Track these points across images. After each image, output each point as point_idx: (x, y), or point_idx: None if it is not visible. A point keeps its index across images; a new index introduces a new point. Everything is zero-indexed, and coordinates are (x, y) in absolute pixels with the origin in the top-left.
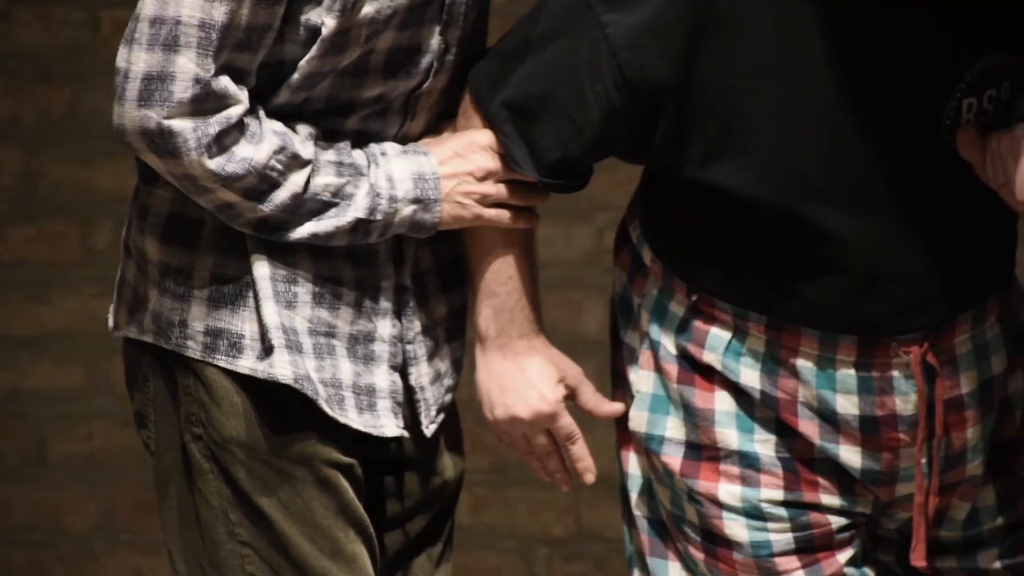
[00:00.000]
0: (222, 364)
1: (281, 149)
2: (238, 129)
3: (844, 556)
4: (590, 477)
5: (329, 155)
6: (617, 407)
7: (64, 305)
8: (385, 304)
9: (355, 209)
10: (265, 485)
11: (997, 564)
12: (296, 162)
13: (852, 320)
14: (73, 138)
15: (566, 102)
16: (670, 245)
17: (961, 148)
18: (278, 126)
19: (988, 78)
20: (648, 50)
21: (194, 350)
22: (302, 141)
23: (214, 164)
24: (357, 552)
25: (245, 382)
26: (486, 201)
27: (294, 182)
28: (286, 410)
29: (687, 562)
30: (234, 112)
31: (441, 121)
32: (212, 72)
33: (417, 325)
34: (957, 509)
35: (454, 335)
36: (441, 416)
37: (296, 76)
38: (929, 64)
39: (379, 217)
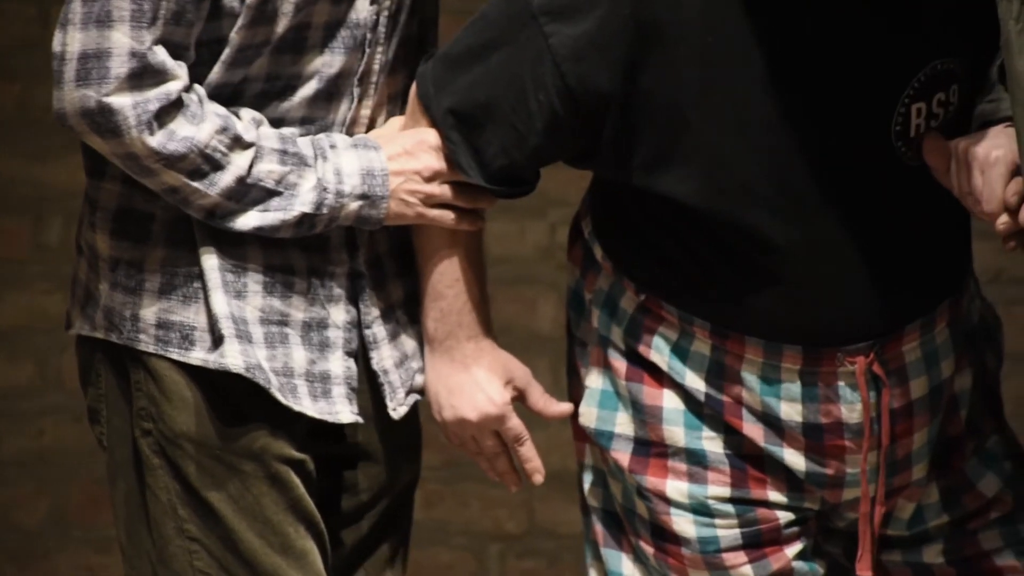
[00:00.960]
0: (174, 356)
1: (223, 129)
2: (177, 106)
3: (792, 550)
4: (539, 478)
5: (273, 142)
6: (566, 407)
7: (15, 302)
8: (338, 291)
9: (301, 203)
10: (215, 480)
11: (941, 559)
12: (239, 144)
13: (796, 330)
14: (24, 134)
15: (510, 111)
16: (620, 244)
17: (927, 154)
18: (220, 108)
19: (936, 82)
20: (590, 61)
21: (147, 343)
22: (245, 125)
23: (155, 142)
24: (307, 548)
25: (197, 375)
26: (430, 201)
27: (238, 164)
28: (238, 404)
29: (639, 555)
30: (173, 88)
31: (390, 104)
32: (147, 45)
33: (375, 310)
34: (903, 509)
35: (417, 317)
36: (412, 398)
37: (228, 50)
38: (870, 73)
39: (325, 211)
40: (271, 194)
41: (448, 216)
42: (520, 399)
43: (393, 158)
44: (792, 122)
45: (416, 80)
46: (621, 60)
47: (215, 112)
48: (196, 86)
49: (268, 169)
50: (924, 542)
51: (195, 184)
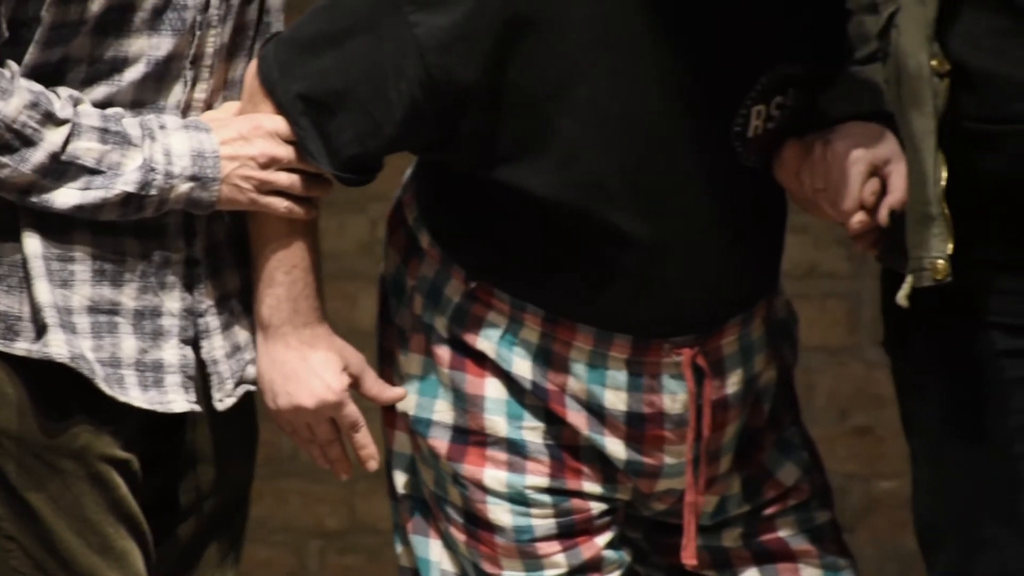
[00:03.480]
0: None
1: (34, 105)
2: None
3: (603, 539)
4: (373, 464)
5: (93, 120)
6: (400, 392)
7: None
8: (173, 278)
9: (124, 182)
10: (35, 479)
11: (740, 543)
12: (51, 120)
13: (630, 321)
14: None
15: (367, 99)
16: (450, 232)
17: (782, 155)
18: (35, 85)
19: (776, 86)
20: (457, 53)
21: None
22: (61, 103)
23: None
24: (127, 548)
25: (21, 370)
26: (264, 188)
27: (51, 141)
28: (62, 400)
29: (448, 542)
30: None
31: (228, 89)
32: None
33: (209, 299)
34: (707, 502)
35: (252, 307)
36: (241, 390)
37: (41, 29)
38: (717, 75)
39: (153, 192)
40: (91, 172)
41: (282, 204)
42: (355, 385)
43: (228, 142)
44: (642, 120)
45: (257, 64)
46: (488, 52)
47: (27, 88)
48: (10, 62)
49: (86, 147)
50: (724, 527)
51: (4, 159)
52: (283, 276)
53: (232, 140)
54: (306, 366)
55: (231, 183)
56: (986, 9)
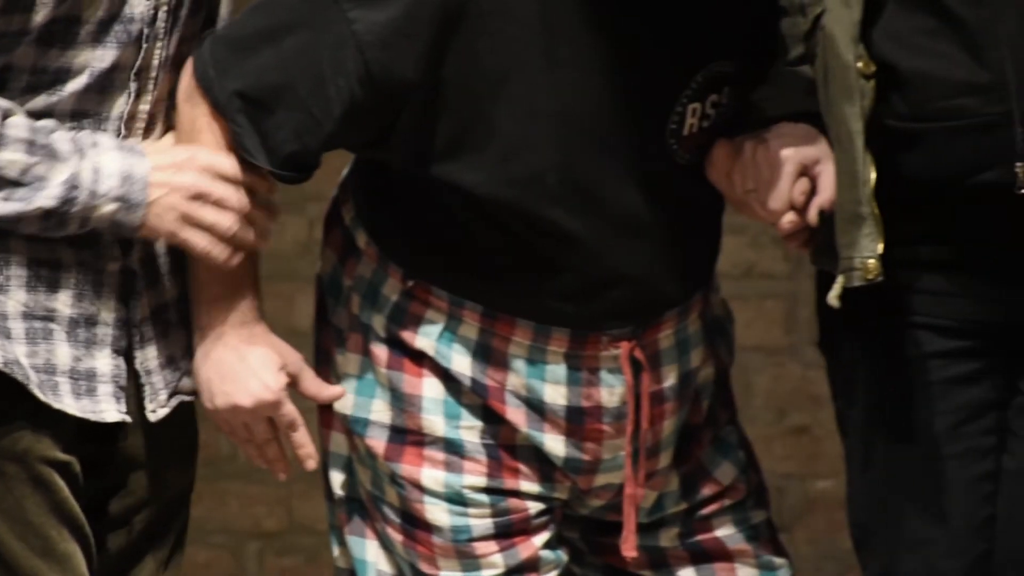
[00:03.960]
0: None
1: None
2: None
3: (540, 539)
4: (312, 464)
5: (20, 132)
6: (338, 390)
7: None
8: (108, 287)
9: (45, 197)
10: None
11: (676, 542)
12: None
13: (568, 314)
14: None
15: (306, 95)
16: (388, 231)
17: (713, 155)
18: None
19: (712, 84)
20: (396, 48)
21: None
22: None
23: None
24: (70, 551)
25: None
26: (188, 220)
27: None
28: (1, 404)
29: (385, 542)
30: None
31: (171, 100)
32: None
33: (145, 308)
34: (646, 498)
35: (188, 319)
36: (175, 400)
37: None
38: (653, 72)
39: (76, 209)
40: (13, 184)
41: (203, 241)
42: (293, 384)
43: (160, 169)
44: (579, 116)
45: (193, 63)
46: (426, 47)
47: None
48: None
49: (10, 159)
50: (661, 526)
51: None
52: (220, 275)
53: (164, 167)
54: (244, 365)
55: (156, 211)
56: (912, 9)
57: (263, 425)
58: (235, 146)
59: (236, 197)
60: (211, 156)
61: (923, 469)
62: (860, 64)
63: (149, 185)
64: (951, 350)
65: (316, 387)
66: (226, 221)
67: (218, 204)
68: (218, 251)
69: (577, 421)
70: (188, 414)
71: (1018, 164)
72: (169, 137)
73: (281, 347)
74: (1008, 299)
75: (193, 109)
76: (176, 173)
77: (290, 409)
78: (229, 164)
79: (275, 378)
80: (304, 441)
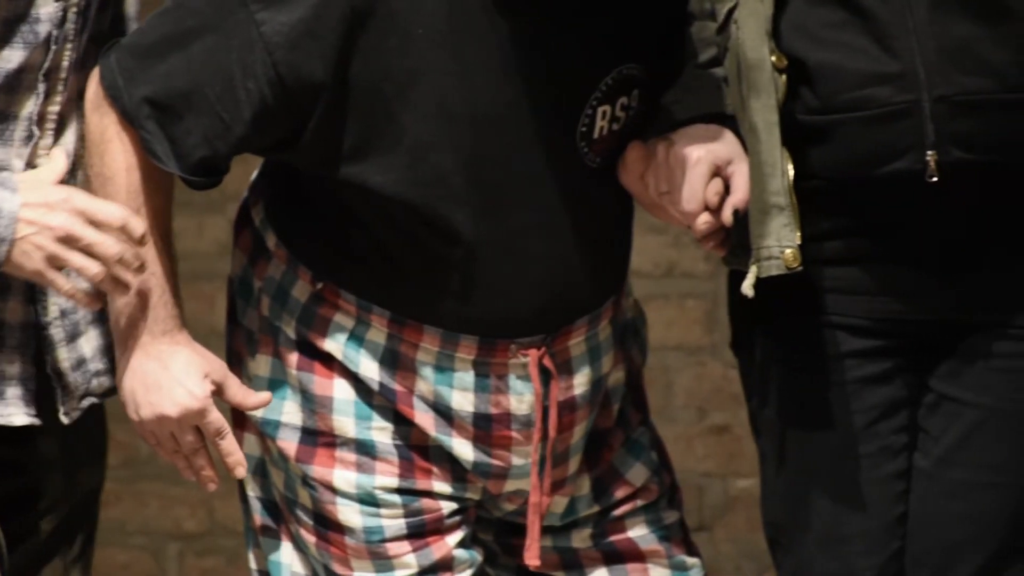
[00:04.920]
0: None
1: None
2: None
3: (453, 539)
4: (241, 471)
5: None
6: (265, 397)
7: None
8: (15, 289)
9: None
10: None
11: (589, 543)
12: None
13: (476, 321)
14: None
15: (215, 99)
16: (297, 233)
17: (625, 158)
18: None
19: (621, 86)
20: (304, 49)
21: None
22: None
23: None
24: None
25: None
26: (54, 262)
27: None
28: None
29: (299, 544)
30: None
31: (81, 100)
32: None
33: (55, 310)
34: (557, 504)
35: (98, 319)
36: (87, 402)
37: None
38: (563, 75)
39: None
40: None
41: (66, 285)
42: (217, 393)
43: (30, 206)
44: (487, 118)
45: (99, 72)
46: (333, 48)
47: None
48: None
49: None
50: (573, 528)
51: None
52: (140, 284)
53: (36, 205)
54: (167, 374)
55: (22, 248)
56: (819, 2)
57: (190, 435)
58: (145, 153)
59: (107, 244)
60: (87, 200)
61: (837, 468)
62: (774, 58)
63: (17, 221)
64: (863, 349)
65: (241, 394)
66: (93, 268)
67: (87, 249)
68: (81, 297)
69: (485, 428)
70: (98, 412)
71: (928, 152)
72: (52, 168)
73: (205, 355)
74: (919, 291)
75: (102, 119)
76: (47, 213)
77: (216, 417)
78: (105, 210)
79: (200, 386)
80: (232, 448)
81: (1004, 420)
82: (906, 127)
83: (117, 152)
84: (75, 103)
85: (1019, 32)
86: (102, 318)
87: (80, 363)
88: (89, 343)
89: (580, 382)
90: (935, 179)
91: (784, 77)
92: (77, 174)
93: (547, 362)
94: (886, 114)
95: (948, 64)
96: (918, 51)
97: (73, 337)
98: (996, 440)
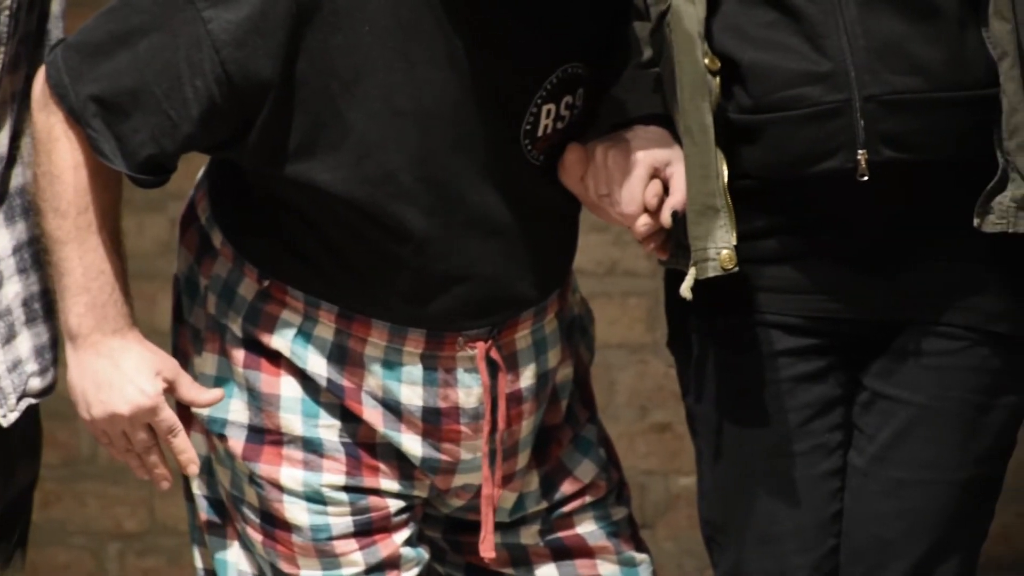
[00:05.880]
0: None
1: None
2: None
3: (400, 537)
4: (194, 469)
5: None
6: (216, 394)
7: None
8: None
9: None
10: None
11: (537, 539)
12: None
13: (423, 315)
14: None
15: (162, 97)
16: (243, 230)
17: (565, 160)
18: None
19: (566, 85)
20: (251, 47)
21: None
22: None
23: None
24: None
25: None
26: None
27: None
28: None
29: (245, 542)
30: None
31: (13, 102)
32: None
33: None
34: (505, 499)
35: (34, 319)
36: (24, 404)
37: None
38: (508, 73)
39: None
40: None
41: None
42: (169, 390)
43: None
44: (433, 114)
45: (46, 71)
46: (281, 46)
47: None
48: None
49: None
50: (522, 524)
51: None
52: (91, 283)
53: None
54: (119, 373)
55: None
56: (751, 2)
57: (142, 433)
58: (92, 151)
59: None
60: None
61: (771, 467)
62: (707, 61)
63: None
64: (797, 348)
65: (194, 392)
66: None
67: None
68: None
69: (434, 422)
70: (33, 410)
71: (859, 151)
72: None
73: (155, 352)
74: (851, 290)
75: (49, 118)
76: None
77: (168, 415)
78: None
79: (152, 384)
80: (185, 446)
81: (936, 418)
82: (837, 126)
83: (64, 151)
84: (8, 104)
85: (948, 31)
86: (37, 318)
87: (16, 364)
88: (24, 343)
89: (527, 375)
90: (866, 178)
91: (717, 79)
92: (11, 174)
93: (494, 354)
94: (817, 113)
95: (878, 63)
96: (848, 50)
97: (9, 339)
98: (929, 438)
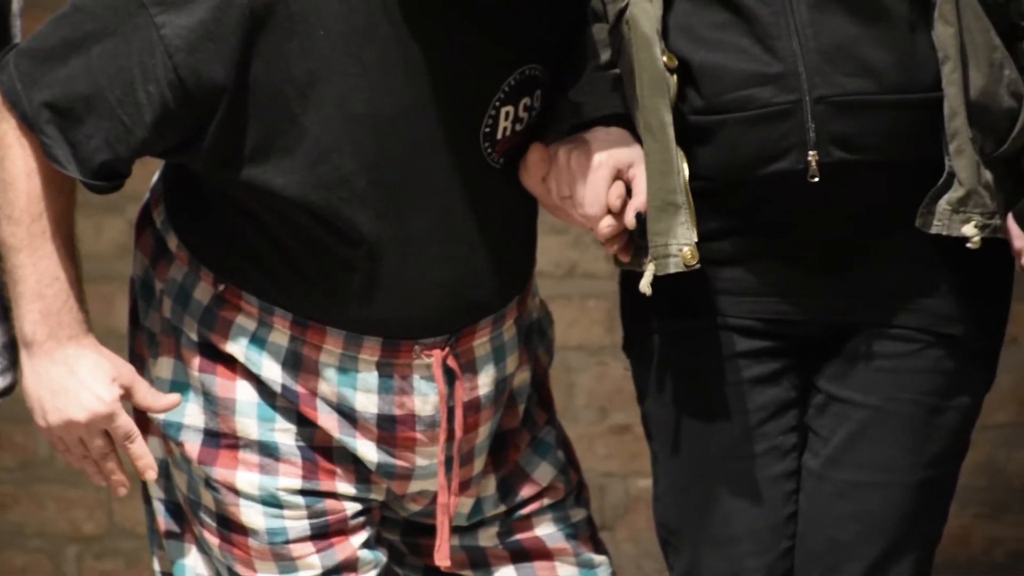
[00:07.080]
0: None
1: None
2: None
3: (358, 539)
4: (152, 474)
5: None
6: (174, 398)
7: None
8: None
9: None
10: None
11: (496, 541)
12: None
13: (378, 323)
14: None
15: (116, 103)
16: (199, 234)
17: (527, 162)
18: None
19: (524, 87)
20: (204, 52)
21: None
22: None
23: None
24: None
25: None
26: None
27: None
28: None
29: (202, 545)
30: None
31: None
32: None
33: None
34: (463, 504)
35: None
36: None
37: None
38: (466, 76)
39: None
40: None
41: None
42: (126, 396)
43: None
44: (389, 119)
45: None
46: (234, 51)
47: None
48: None
49: None
50: (480, 526)
51: None
52: (46, 289)
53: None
54: (75, 379)
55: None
56: (703, 3)
57: (99, 439)
58: (46, 158)
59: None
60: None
61: (726, 469)
62: (665, 58)
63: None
64: (752, 350)
65: (150, 398)
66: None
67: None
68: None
69: (389, 429)
70: None
71: (810, 153)
72: None
73: (112, 358)
74: (804, 292)
75: (1, 124)
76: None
77: (125, 420)
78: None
79: (108, 390)
80: (142, 452)
81: (890, 420)
82: (788, 128)
83: (17, 157)
84: None
85: (898, 33)
86: None
87: None
88: None
89: (485, 382)
90: (817, 179)
91: (675, 78)
92: None
93: (451, 362)
94: (768, 114)
95: (828, 65)
96: (799, 52)
97: None
98: (883, 440)
